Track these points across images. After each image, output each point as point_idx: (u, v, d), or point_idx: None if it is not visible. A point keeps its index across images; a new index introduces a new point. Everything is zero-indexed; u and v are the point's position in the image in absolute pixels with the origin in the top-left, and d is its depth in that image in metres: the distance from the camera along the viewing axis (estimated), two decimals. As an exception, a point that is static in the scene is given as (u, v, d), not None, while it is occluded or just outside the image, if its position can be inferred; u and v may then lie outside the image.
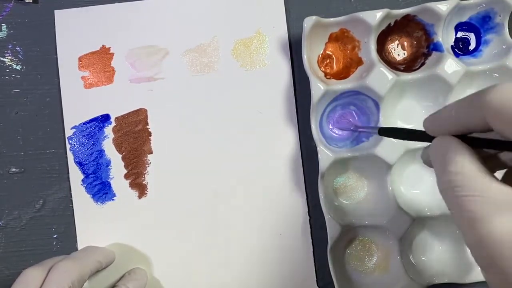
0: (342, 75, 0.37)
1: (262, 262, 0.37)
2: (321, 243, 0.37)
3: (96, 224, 0.37)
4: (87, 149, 0.37)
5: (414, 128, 0.37)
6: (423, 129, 0.24)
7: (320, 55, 0.37)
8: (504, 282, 0.17)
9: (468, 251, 0.35)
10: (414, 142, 0.35)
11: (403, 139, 0.28)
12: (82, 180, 0.37)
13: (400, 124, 0.37)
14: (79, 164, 0.37)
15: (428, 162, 0.24)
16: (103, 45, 0.37)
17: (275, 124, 0.37)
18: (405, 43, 0.37)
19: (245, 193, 0.37)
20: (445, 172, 0.20)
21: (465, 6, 0.35)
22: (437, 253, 0.37)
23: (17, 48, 0.37)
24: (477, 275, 0.34)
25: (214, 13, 0.38)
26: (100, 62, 0.37)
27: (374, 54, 0.34)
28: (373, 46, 0.35)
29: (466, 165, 0.19)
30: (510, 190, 0.18)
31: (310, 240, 0.37)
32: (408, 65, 0.37)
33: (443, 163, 0.20)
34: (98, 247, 0.35)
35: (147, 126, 0.37)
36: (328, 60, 0.37)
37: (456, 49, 0.37)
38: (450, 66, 0.34)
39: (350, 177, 0.37)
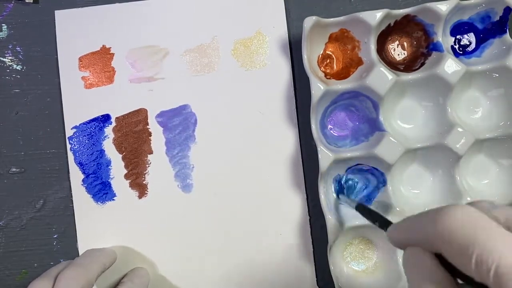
0: (342, 75, 0.37)
1: (262, 261, 0.37)
2: (321, 243, 0.37)
3: (97, 224, 0.37)
4: (88, 149, 0.37)
5: (413, 127, 0.37)
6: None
7: (320, 55, 0.37)
8: None
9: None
10: (414, 141, 0.35)
11: (373, 222, 0.28)
12: (83, 180, 0.37)
13: (399, 124, 0.37)
14: (80, 164, 0.37)
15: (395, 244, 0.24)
16: (103, 45, 0.37)
17: (275, 124, 0.37)
18: (405, 43, 0.37)
19: (245, 193, 0.37)
20: None
21: (465, 6, 0.35)
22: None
23: (18, 48, 0.38)
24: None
25: (214, 13, 0.38)
26: (100, 62, 0.37)
27: (374, 54, 0.34)
28: (373, 46, 0.35)
29: None
30: None
31: (310, 240, 0.37)
32: (408, 65, 0.37)
33: (417, 285, 0.20)
34: (100, 249, 0.35)
35: (147, 126, 0.37)
36: (328, 60, 0.37)
37: (456, 49, 0.37)
38: (450, 66, 0.34)
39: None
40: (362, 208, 0.31)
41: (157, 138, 0.37)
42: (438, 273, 0.19)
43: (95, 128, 0.37)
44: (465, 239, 0.18)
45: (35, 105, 0.37)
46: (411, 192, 0.37)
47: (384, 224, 0.27)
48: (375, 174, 0.36)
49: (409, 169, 0.37)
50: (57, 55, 0.37)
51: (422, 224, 0.20)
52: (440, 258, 0.20)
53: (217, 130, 0.37)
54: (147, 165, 0.37)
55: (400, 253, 0.35)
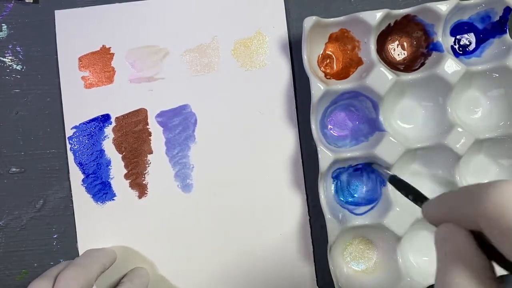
0: (342, 75, 0.37)
1: (262, 262, 0.37)
2: (321, 243, 0.37)
3: (96, 224, 0.37)
4: (87, 149, 0.37)
5: (413, 127, 0.37)
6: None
7: (320, 55, 0.37)
8: None
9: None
10: (414, 141, 0.35)
11: (406, 196, 0.27)
12: (82, 180, 0.37)
13: (399, 124, 0.37)
14: (79, 164, 0.37)
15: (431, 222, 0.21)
16: (103, 45, 0.37)
17: (275, 124, 0.37)
18: (405, 43, 0.37)
19: (244, 193, 0.37)
20: (446, 280, 0.18)
21: (465, 6, 0.35)
22: (437, 253, 0.37)
23: (17, 48, 0.38)
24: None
25: (214, 13, 0.38)
26: (100, 62, 0.37)
27: (374, 54, 0.34)
28: (373, 46, 0.35)
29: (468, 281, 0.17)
30: None
31: (310, 240, 0.37)
32: (408, 65, 0.37)
33: (445, 265, 0.18)
34: (100, 249, 0.35)
35: (147, 126, 0.37)
36: (328, 60, 0.37)
37: (456, 49, 0.37)
38: (450, 66, 0.34)
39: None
40: (395, 181, 0.30)
41: (157, 138, 0.37)
42: (473, 253, 0.17)
43: (95, 128, 0.37)
44: None
45: (35, 105, 0.37)
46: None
47: (419, 198, 0.25)
48: (375, 174, 0.36)
49: (409, 169, 0.37)
50: (57, 55, 0.37)
51: (466, 198, 0.18)
52: (478, 240, 0.18)
53: (217, 130, 0.37)
54: (147, 165, 0.37)
55: (399, 253, 0.35)
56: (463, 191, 0.19)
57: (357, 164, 0.36)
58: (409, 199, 0.27)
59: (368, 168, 0.36)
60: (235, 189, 0.37)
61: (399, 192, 0.29)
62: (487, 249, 0.17)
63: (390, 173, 0.32)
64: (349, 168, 0.36)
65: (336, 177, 0.37)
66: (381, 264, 0.36)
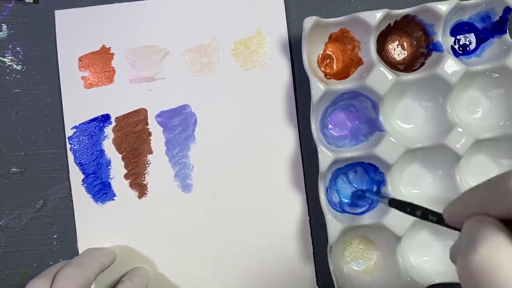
0: (342, 75, 0.37)
1: (262, 262, 0.37)
2: (321, 243, 0.37)
3: (96, 224, 0.37)
4: (87, 149, 0.37)
5: (413, 127, 0.37)
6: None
7: (320, 55, 0.37)
8: None
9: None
10: (414, 141, 0.35)
11: (414, 216, 0.26)
12: (82, 180, 0.37)
13: (399, 124, 0.37)
14: (79, 164, 0.37)
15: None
16: (103, 45, 0.37)
17: (275, 124, 0.37)
18: (405, 43, 0.37)
19: (244, 193, 0.37)
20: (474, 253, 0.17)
21: (465, 6, 0.35)
22: (437, 253, 0.37)
23: (17, 48, 0.38)
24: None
25: (214, 13, 0.38)
26: (100, 62, 0.37)
27: (374, 54, 0.34)
28: (373, 46, 0.35)
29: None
30: None
31: (310, 240, 0.37)
32: (408, 65, 0.37)
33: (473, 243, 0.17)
34: (99, 248, 0.35)
35: (147, 126, 0.37)
36: (328, 60, 0.37)
37: (456, 49, 0.37)
38: (450, 66, 0.34)
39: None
40: (396, 203, 0.29)
41: (157, 138, 0.37)
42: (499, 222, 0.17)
43: (95, 128, 0.37)
44: None
45: (35, 105, 0.37)
46: (411, 192, 0.37)
47: (429, 214, 0.25)
48: (375, 173, 0.36)
49: (409, 169, 0.37)
50: (57, 55, 0.37)
51: (490, 188, 0.18)
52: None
53: (217, 130, 0.37)
54: (147, 165, 0.37)
55: (399, 253, 0.35)
56: (484, 183, 0.19)
57: (358, 162, 0.36)
58: (417, 216, 0.26)
59: (368, 168, 0.36)
60: (235, 189, 0.37)
61: (402, 212, 0.29)
62: None
63: (388, 196, 0.31)
64: (349, 167, 0.36)
65: (336, 177, 0.37)
66: (381, 264, 0.36)
